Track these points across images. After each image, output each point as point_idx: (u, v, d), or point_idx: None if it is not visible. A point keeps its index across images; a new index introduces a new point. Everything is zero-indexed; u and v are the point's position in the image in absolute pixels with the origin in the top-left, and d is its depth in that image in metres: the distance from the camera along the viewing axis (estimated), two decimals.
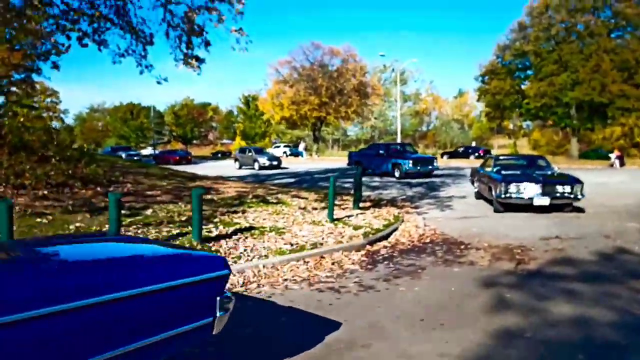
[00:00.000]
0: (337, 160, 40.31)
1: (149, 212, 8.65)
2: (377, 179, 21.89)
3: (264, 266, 6.23)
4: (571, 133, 43.97)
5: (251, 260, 6.39)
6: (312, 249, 7.05)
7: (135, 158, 42.37)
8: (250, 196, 11.59)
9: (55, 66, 15.79)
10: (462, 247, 7.60)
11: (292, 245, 7.17)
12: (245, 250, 6.78)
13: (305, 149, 53.59)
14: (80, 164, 10.01)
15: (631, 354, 3.64)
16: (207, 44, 11.21)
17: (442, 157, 45.89)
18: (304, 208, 10.49)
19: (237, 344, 3.93)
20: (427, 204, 12.83)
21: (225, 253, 6.56)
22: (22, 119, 11.43)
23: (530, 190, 10.57)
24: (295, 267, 6.36)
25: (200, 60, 11.45)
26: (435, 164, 23.59)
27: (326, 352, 3.72)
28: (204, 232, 7.28)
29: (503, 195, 10.67)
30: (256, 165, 31.43)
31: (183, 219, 8.25)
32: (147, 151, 62.30)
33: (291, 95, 52.04)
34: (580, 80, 38.70)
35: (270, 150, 47.32)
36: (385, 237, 8.34)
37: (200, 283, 2.66)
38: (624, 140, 38.94)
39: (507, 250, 7.29)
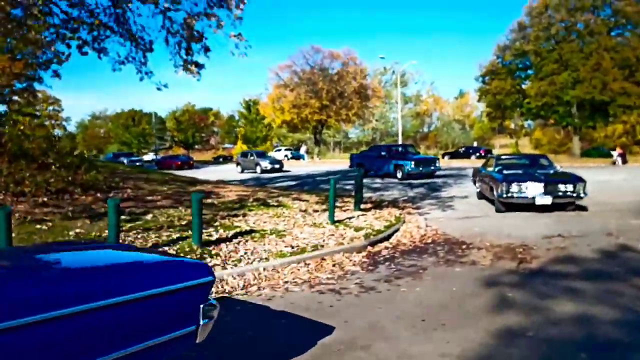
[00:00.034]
0: (339, 162, 40.28)
1: (149, 217, 8.64)
2: (378, 180, 21.85)
3: (264, 269, 6.21)
4: (573, 131, 43.85)
5: (252, 263, 6.37)
6: (312, 251, 7.02)
7: (138, 164, 42.53)
8: (251, 199, 11.58)
9: (57, 75, 15.90)
10: (464, 247, 7.56)
11: (292, 247, 7.15)
12: (245, 253, 6.76)
13: (307, 152, 53.63)
14: (80, 171, 10.02)
15: (634, 352, 3.60)
16: (207, 49, 11.22)
17: (443, 157, 45.76)
18: (305, 210, 10.46)
19: (238, 347, 3.90)
20: (429, 205, 12.79)
21: (225, 256, 6.54)
22: (22, 127, 11.43)
23: (532, 190, 10.51)
24: (296, 269, 6.34)
25: (199, 66, 11.46)
26: (437, 165, 23.55)
27: (326, 353, 3.69)
28: (205, 236, 7.26)
29: (505, 195, 10.61)
30: (258, 169, 31.46)
31: (183, 223, 8.23)
32: (149, 157, 62.40)
33: (292, 99, 52.16)
34: (581, 79, 38.63)
35: (271, 153, 47.35)
36: (387, 238, 8.31)
37: (182, 290, 2.58)
38: (626, 137, 38.82)
39: (509, 249, 7.24)
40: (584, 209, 10.96)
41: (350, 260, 6.84)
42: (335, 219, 9.25)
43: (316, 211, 10.40)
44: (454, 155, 49.10)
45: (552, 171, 11.88)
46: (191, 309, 2.62)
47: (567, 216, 10.23)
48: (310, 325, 4.31)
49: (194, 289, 2.65)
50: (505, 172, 11.49)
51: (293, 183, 20.85)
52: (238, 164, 34.46)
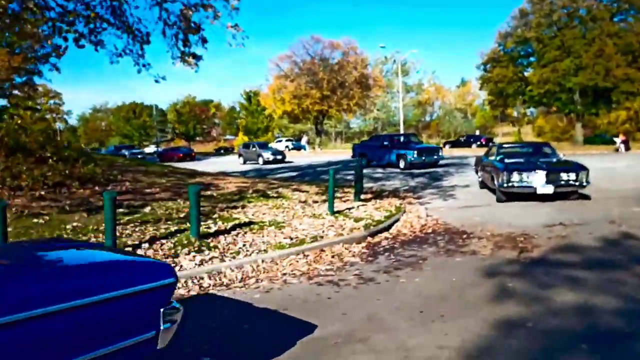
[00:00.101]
0: (341, 152, 40.16)
1: (147, 209, 8.59)
2: (380, 170, 21.76)
3: (263, 261, 6.17)
4: (575, 119, 43.59)
5: (250, 255, 6.32)
6: (312, 242, 6.97)
7: (139, 156, 42.51)
8: (251, 191, 11.52)
9: (55, 68, 15.80)
10: (465, 236, 7.49)
11: (291, 239, 7.10)
12: (244, 245, 6.71)
13: (308, 142, 53.44)
14: (77, 164, 9.96)
15: (635, 341, 3.53)
16: (204, 41, 11.11)
17: (444, 146, 45.52)
18: (305, 201, 10.40)
19: (235, 341, 3.86)
20: (430, 194, 12.71)
21: (223, 249, 6.49)
22: (19, 121, 11.37)
23: (533, 179, 10.37)
24: (294, 261, 6.29)
25: (197, 58, 11.34)
26: (440, 154, 23.45)
27: (324, 346, 3.64)
28: (203, 229, 7.21)
29: (506, 184, 10.49)
30: (260, 160, 31.39)
31: (182, 215, 8.18)
32: (151, 149, 62.50)
33: (292, 90, 51.91)
34: (584, 66, 38.30)
35: (272, 144, 47.23)
36: (387, 229, 8.25)
37: (140, 294, 2.40)
38: (629, 124, 38.49)
39: (510, 238, 7.17)
40: (586, 197, 10.85)
41: (350, 251, 6.78)
42: (335, 209, 9.19)
43: (316, 202, 10.33)
44: (455, 144, 48.84)
45: (554, 160, 11.69)
46: (150, 313, 2.44)
47: (569, 204, 10.14)
48: (307, 318, 4.26)
49: (153, 291, 2.47)
50: (506, 160, 11.36)
51: (294, 174, 20.79)
52: (240, 155, 34.39)
